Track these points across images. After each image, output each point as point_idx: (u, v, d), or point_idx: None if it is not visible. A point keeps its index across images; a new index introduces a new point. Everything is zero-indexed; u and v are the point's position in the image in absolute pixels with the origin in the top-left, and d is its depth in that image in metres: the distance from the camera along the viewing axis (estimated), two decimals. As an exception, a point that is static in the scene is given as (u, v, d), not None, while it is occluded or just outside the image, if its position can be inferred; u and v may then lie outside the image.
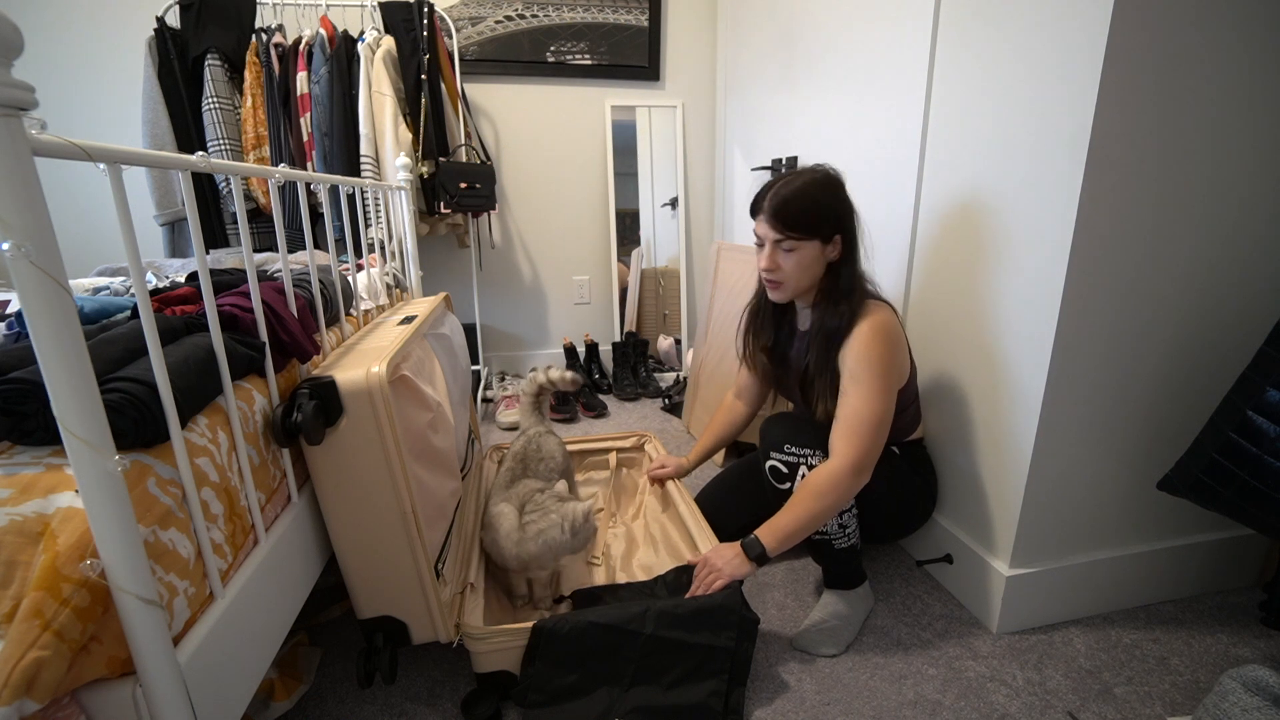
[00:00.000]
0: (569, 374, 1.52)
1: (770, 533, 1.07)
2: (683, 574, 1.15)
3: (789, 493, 1.12)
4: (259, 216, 2.09)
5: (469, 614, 1.02)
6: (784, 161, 1.98)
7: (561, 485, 1.19)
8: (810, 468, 1.11)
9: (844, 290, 1.13)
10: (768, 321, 1.30)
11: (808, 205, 1.09)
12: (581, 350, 2.69)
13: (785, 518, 1.08)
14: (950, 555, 1.28)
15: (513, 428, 2.20)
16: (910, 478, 1.24)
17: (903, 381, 1.14)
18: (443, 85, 2.16)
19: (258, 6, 2.05)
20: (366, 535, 0.93)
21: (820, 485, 1.06)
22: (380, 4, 2.13)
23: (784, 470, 1.14)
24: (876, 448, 1.07)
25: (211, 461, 0.69)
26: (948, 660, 1.11)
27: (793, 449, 1.13)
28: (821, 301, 1.15)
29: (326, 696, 1.05)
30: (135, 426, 0.59)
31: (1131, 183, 0.98)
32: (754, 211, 1.16)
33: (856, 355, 1.08)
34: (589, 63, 2.51)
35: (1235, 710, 0.78)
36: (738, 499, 1.40)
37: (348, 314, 1.28)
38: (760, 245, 1.16)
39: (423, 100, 2.09)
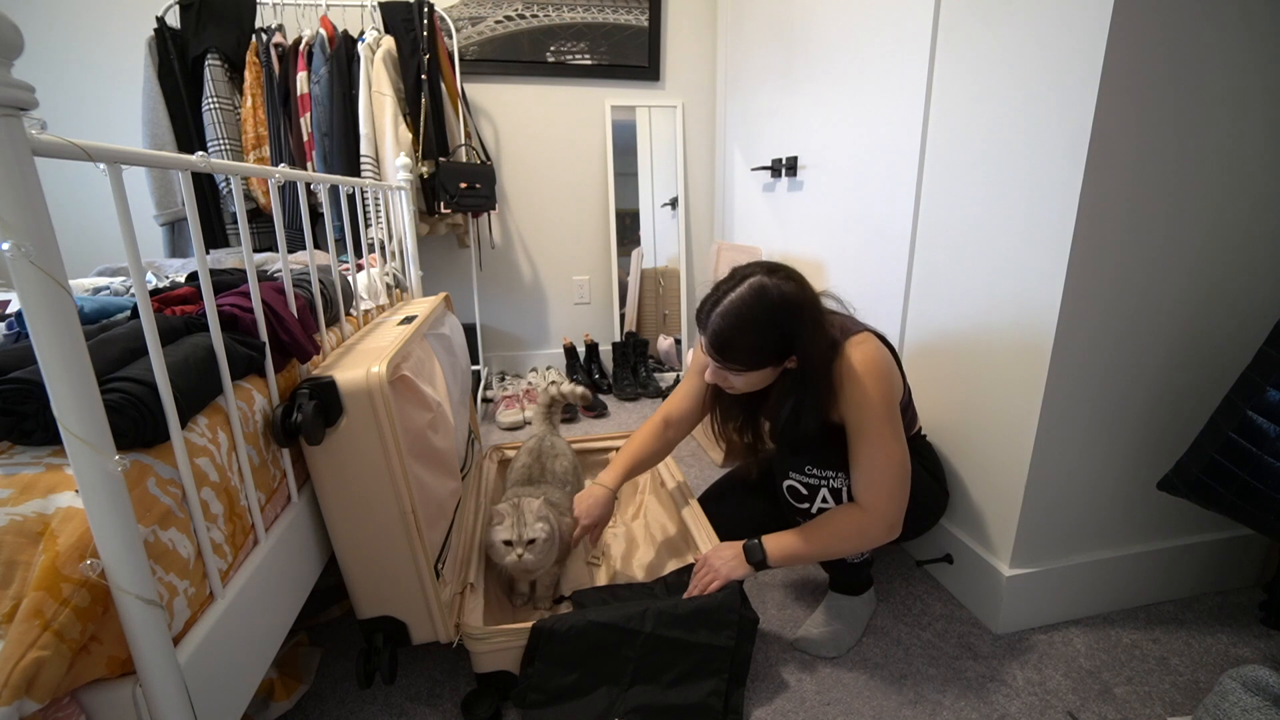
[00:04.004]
0: (579, 389, 1.55)
1: (778, 546, 1.05)
2: (683, 574, 1.14)
3: (805, 513, 1.09)
4: (259, 216, 2.09)
5: (469, 614, 1.02)
6: (784, 161, 1.97)
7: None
8: (832, 490, 1.06)
9: (812, 376, 1.00)
10: (734, 402, 1.16)
11: (749, 340, 0.96)
12: (581, 350, 2.69)
13: (798, 543, 1.04)
14: (950, 555, 1.28)
15: (513, 427, 2.20)
16: (918, 474, 1.21)
17: (900, 398, 1.09)
18: (443, 85, 2.16)
19: (258, 6, 2.05)
20: (366, 535, 0.93)
21: (846, 529, 1.03)
22: (380, 4, 2.13)
23: (803, 491, 1.09)
24: (905, 495, 1.02)
25: (211, 461, 0.69)
26: (948, 660, 1.11)
27: (814, 470, 1.07)
28: (789, 387, 1.02)
29: (326, 696, 1.05)
30: (135, 426, 0.59)
31: (1131, 184, 0.98)
32: (698, 326, 1.02)
33: (857, 406, 1.00)
34: (589, 63, 2.50)
35: (1235, 710, 0.78)
36: (742, 499, 1.39)
37: (348, 314, 1.28)
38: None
39: (423, 100, 2.09)
